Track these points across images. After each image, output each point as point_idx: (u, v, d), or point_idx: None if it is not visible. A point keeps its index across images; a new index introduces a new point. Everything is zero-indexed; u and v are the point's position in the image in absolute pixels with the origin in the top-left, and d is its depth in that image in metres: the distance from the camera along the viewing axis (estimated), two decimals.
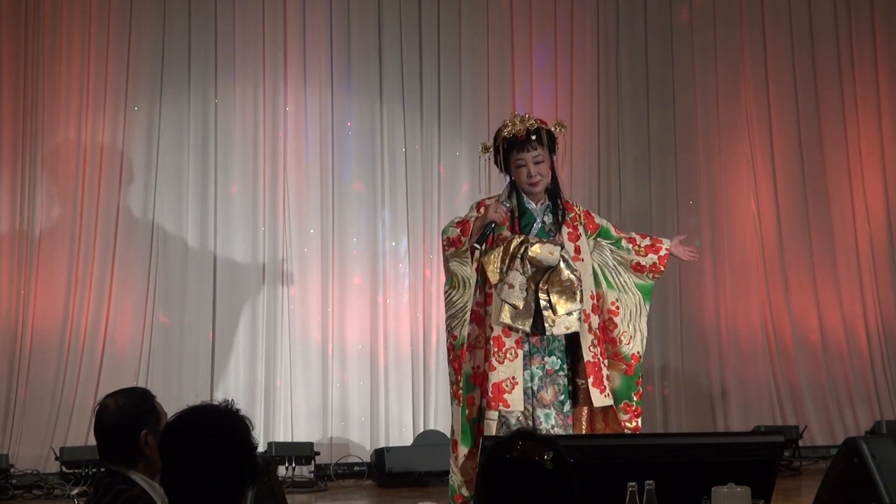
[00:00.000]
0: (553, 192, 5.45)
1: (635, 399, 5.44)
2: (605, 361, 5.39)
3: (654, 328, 8.44)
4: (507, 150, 5.35)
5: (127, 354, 7.71)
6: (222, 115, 7.99)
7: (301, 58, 8.12)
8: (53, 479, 7.30)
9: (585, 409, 5.36)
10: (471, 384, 5.31)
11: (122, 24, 7.88)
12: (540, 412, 5.27)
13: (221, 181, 7.96)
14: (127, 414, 3.23)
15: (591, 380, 5.27)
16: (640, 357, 5.47)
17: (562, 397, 5.28)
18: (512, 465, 2.59)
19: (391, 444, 7.73)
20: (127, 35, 7.88)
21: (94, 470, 6.64)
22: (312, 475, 7.51)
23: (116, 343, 7.72)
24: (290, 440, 7.74)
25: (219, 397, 2.77)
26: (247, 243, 7.96)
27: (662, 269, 5.61)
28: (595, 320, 5.41)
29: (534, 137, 5.34)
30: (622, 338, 5.50)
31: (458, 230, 5.27)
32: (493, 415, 5.20)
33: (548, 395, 5.30)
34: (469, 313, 5.27)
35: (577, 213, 5.49)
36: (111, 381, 7.28)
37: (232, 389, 7.68)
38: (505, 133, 5.36)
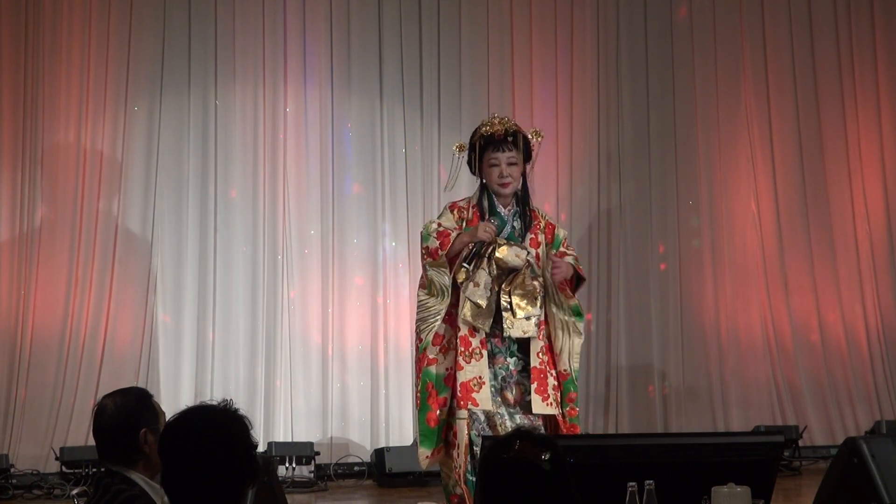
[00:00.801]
0: (523, 199, 5.47)
1: (568, 415, 5.41)
2: (554, 371, 5.39)
3: (655, 328, 8.46)
4: (482, 147, 5.37)
5: (127, 354, 7.71)
6: (222, 115, 7.99)
7: (301, 58, 8.12)
8: (53, 479, 7.30)
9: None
10: (444, 385, 5.34)
11: (122, 24, 7.88)
12: (503, 411, 5.30)
13: (221, 181, 7.96)
14: (125, 414, 3.23)
15: (534, 386, 5.29)
16: (567, 374, 5.40)
17: (528, 398, 5.31)
18: (509, 465, 2.59)
19: (391, 444, 7.73)
20: (127, 35, 7.88)
21: (94, 470, 6.64)
22: (312, 475, 7.50)
23: (116, 343, 7.72)
24: (290, 440, 7.74)
25: (219, 398, 2.77)
26: (247, 243, 7.96)
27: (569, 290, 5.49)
28: (545, 330, 5.42)
29: (510, 139, 5.36)
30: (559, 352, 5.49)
31: (438, 242, 5.31)
32: (463, 413, 5.26)
33: (512, 395, 5.34)
34: (440, 319, 5.33)
35: (540, 222, 5.49)
36: (111, 381, 7.27)
37: (232, 389, 7.67)
38: (482, 131, 5.40)
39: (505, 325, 5.29)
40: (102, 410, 3.27)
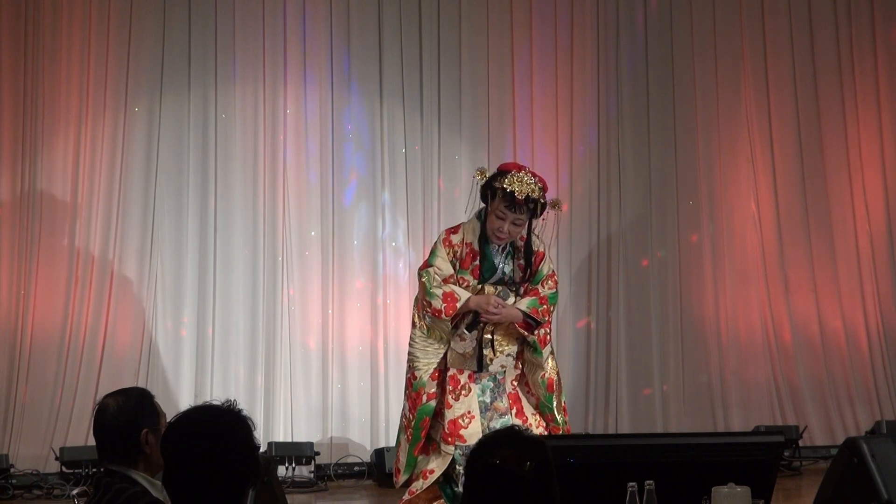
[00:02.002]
0: (527, 252, 5.50)
1: (559, 417, 5.51)
2: (532, 398, 5.60)
3: (655, 328, 8.46)
4: (499, 197, 5.38)
5: (127, 354, 7.71)
6: (222, 115, 7.99)
7: (301, 58, 8.12)
8: (53, 479, 7.29)
9: None
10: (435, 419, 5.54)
11: (122, 24, 7.88)
12: (497, 422, 5.39)
13: (221, 182, 7.95)
14: (126, 414, 3.24)
15: (514, 411, 5.47)
16: (538, 399, 5.58)
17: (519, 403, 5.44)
18: (491, 470, 2.61)
19: (391, 445, 7.72)
20: (127, 35, 7.87)
21: (94, 470, 6.64)
22: (312, 475, 7.51)
23: (116, 343, 7.72)
24: (290, 440, 7.74)
25: (218, 397, 2.77)
26: (247, 243, 7.95)
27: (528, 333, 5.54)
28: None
29: (529, 205, 5.36)
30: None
31: (444, 305, 5.34)
32: (450, 449, 5.34)
33: (503, 404, 5.42)
34: (437, 361, 5.47)
35: (533, 259, 5.56)
36: (111, 381, 7.26)
37: (232, 389, 7.67)
38: (505, 185, 5.34)
39: (485, 361, 5.42)
40: (103, 410, 3.27)
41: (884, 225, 8.75)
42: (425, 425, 5.43)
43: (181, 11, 7.97)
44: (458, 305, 5.32)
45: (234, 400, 2.73)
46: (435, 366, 5.44)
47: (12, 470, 7.26)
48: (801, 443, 8.08)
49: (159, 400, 3.36)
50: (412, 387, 5.47)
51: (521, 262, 5.50)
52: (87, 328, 7.67)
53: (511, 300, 5.46)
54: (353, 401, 7.98)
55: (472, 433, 5.32)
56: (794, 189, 8.69)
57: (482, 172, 5.51)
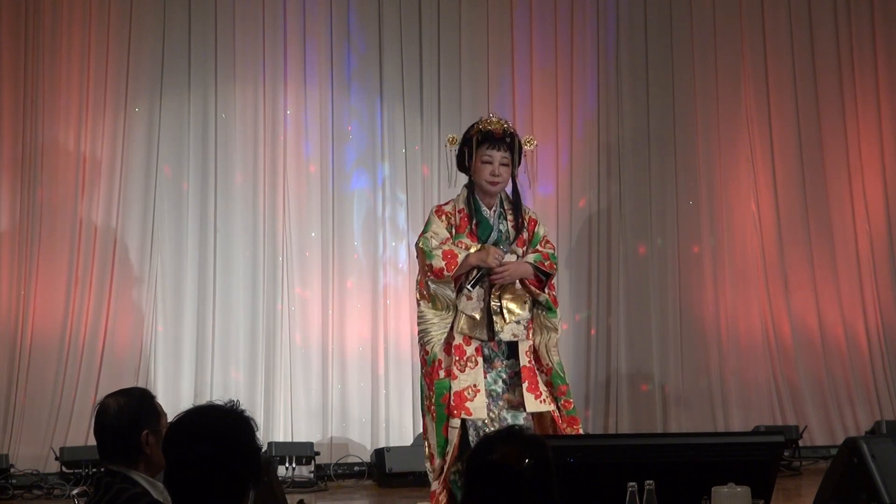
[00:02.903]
0: (515, 203, 5.50)
1: (564, 408, 5.45)
2: (543, 368, 5.47)
3: (655, 328, 8.46)
4: (478, 143, 5.38)
5: (127, 354, 7.71)
6: (222, 115, 7.99)
7: (301, 58, 8.12)
8: (53, 479, 7.29)
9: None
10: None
11: (122, 24, 7.88)
12: (507, 414, 5.34)
13: (221, 182, 7.95)
14: (127, 414, 3.24)
15: (525, 385, 5.34)
16: (550, 368, 5.45)
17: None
18: (491, 467, 2.63)
19: (391, 445, 7.73)
20: (127, 35, 7.87)
21: (94, 470, 6.64)
22: (312, 475, 7.51)
23: (116, 343, 7.72)
24: (290, 440, 7.74)
25: (218, 397, 2.77)
26: (247, 244, 7.95)
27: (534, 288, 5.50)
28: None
29: (507, 140, 5.39)
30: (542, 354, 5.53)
31: (444, 262, 5.30)
32: (456, 422, 5.28)
33: (515, 396, 5.37)
34: (447, 331, 5.36)
35: (525, 219, 5.53)
36: (111, 381, 7.27)
37: (232, 390, 7.67)
38: (480, 126, 5.42)
39: (496, 329, 5.33)
40: (105, 410, 3.27)
41: (884, 225, 8.75)
42: (446, 401, 5.35)
43: (181, 11, 7.97)
44: (459, 261, 5.30)
45: (237, 400, 2.73)
46: (445, 336, 5.36)
47: (12, 470, 7.26)
48: (801, 443, 8.08)
49: (159, 400, 3.36)
50: (426, 363, 5.37)
51: (513, 221, 5.50)
52: (87, 328, 7.67)
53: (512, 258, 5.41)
54: (353, 401, 7.98)
55: (478, 406, 5.23)
56: (794, 189, 8.69)
57: (452, 139, 5.53)
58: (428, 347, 5.36)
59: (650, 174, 8.57)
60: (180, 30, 7.97)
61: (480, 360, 5.33)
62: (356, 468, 7.79)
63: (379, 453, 7.55)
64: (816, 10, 8.80)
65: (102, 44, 7.85)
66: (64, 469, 7.24)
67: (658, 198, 8.56)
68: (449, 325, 5.35)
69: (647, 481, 3.31)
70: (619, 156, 8.53)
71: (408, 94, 8.24)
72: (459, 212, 5.45)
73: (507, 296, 5.37)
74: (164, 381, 7.63)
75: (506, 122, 5.48)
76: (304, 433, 7.83)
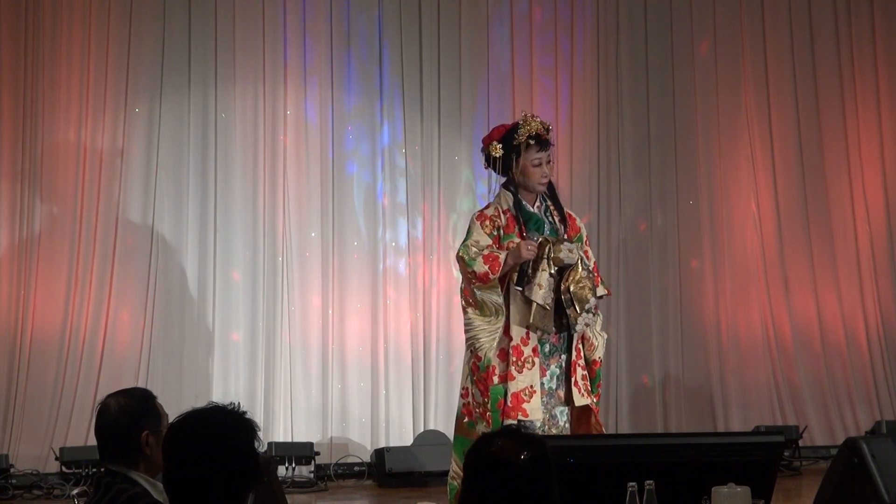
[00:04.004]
0: (553, 196, 5.52)
1: (595, 400, 5.51)
2: (581, 361, 5.47)
3: (655, 328, 8.46)
4: (526, 147, 5.39)
5: (127, 354, 7.71)
6: (222, 115, 7.99)
7: (301, 58, 8.12)
8: (53, 479, 7.30)
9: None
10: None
11: (122, 24, 7.87)
12: (557, 409, 5.34)
13: (221, 182, 7.95)
14: (128, 414, 3.23)
15: (573, 378, 5.36)
16: (599, 363, 5.54)
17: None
18: (489, 460, 2.65)
19: (391, 444, 7.73)
20: (127, 35, 7.87)
21: (94, 470, 6.63)
22: (312, 475, 7.51)
23: (116, 343, 7.72)
24: (290, 440, 7.74)
25: (218, 398, 2.77)
26: (247, 244, 7.95)
27: None
28: None
29: (549, 139, 5.46)
30: (593, 342, 5.53)
31: (487, 266, 5.26)
32: (512, 424, 5.21)
33: (563, 392, 5.37)
34: (499, 335, 5.31)
35: (565, 213, 5.57)
36: (111, 381, 7.27)
37: (232, 390, 7.68)
38: (528, 130, 5.40)
39: (570, 321, 5.31)
40: (105, 410, 3.26)
41: (884, 225, 8.75)
42: (501, 406, 5.32)
43: (181, 11, 7.97)
44: (501, 261, 5.28)
45: (239, 402, 2.72)
46: (497, 342, 5.33)
47: (12, 470, 7.26)
48: (801, 443, 8.08)
49: (160, 400, 3.35)
50: (478, 369, 5.31)
51: (558, 215, 5.51)
52: (87, 328, 7.67)
53: (575, 249, 5.36)
54: (353, 401, 7.98)
55: (534, 408, 5.22)
56: (794, 189, 8.69)
57: (497, 147, 5.49)
58: (480, 354, 5.30)
59: (650, 174, 8.57)
60: (180, 30, 7.97)
61: (538, 360, 5.30)
62: (356, 468, 7.79)
63: (379, 453, 7.56)
64: (816, 10, 8.80)
65: (102, 44, 7.85)
66: (64, 469, 7.24)
67: (658, 198, 8.56)
68: (499, 331, 5.31)
69: (647, 481, 3.31)
70: (619, 156, 8.52)
71: (408, 94, 8.24)
72: (504, 213, 5.42)
73: (576, 286, 5.31)
74: (165, 381, 7.63)
75: (542, 120, 5.50)
76: (303, 433, 7.83)
